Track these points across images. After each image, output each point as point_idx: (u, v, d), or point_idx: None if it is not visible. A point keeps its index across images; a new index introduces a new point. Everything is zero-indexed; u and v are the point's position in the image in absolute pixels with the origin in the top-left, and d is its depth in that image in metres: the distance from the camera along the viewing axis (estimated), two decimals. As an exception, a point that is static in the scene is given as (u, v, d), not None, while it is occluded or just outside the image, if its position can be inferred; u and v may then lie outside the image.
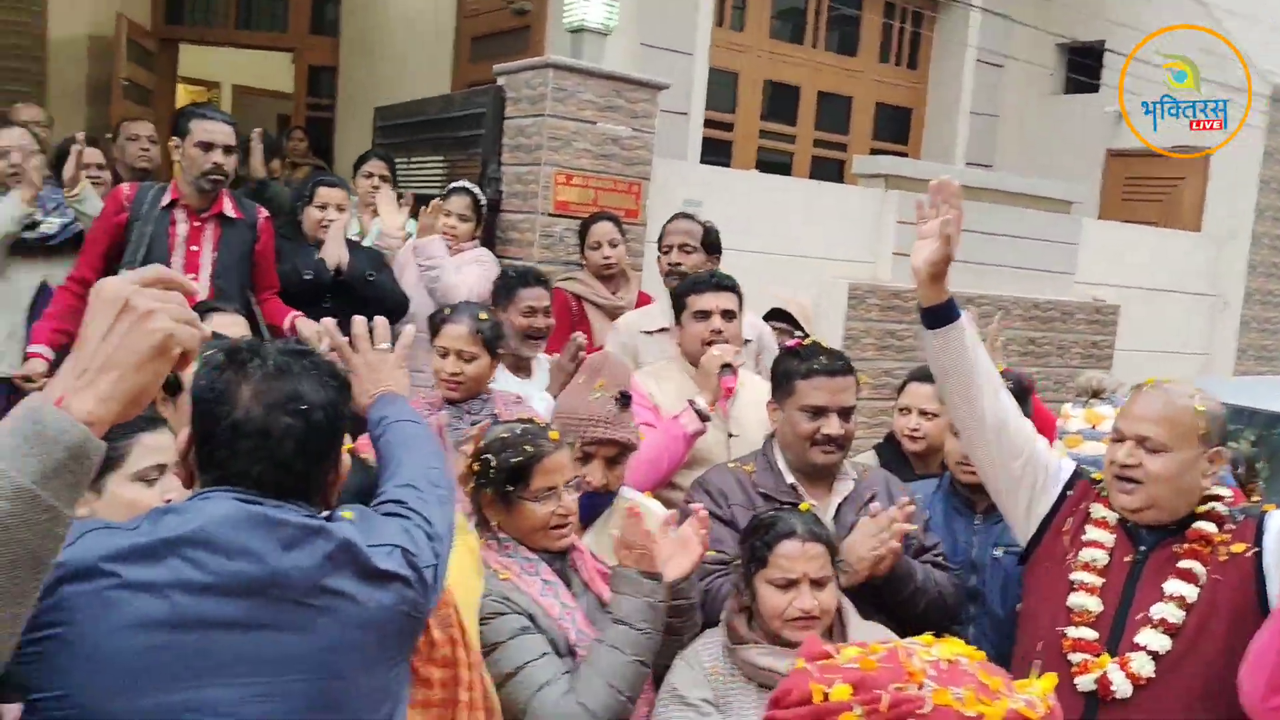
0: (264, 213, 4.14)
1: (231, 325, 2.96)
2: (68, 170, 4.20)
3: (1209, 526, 2.30)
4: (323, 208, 4.37)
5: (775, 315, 4.34)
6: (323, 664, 1.40)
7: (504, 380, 3.57)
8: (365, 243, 4.65)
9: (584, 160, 5.32)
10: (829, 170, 8.84)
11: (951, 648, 1.07)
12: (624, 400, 2.63)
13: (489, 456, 2.24)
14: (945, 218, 2.35)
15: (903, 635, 1.18)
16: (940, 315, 2.41)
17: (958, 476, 2.93)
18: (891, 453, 3.34)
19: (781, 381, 2.83)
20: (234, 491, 1.42)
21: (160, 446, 1.85)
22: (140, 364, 1.09)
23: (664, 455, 2.98)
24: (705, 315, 3.38)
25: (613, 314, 4.38)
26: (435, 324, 3.18)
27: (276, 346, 1.50)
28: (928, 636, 1.10)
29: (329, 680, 1.41)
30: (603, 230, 4.50)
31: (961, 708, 0.98)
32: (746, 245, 5.70)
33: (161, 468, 1.84)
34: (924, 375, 3.29)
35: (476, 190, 4.65)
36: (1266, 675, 1.91)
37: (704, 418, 3.06)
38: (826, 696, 1.00)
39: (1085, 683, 2.24)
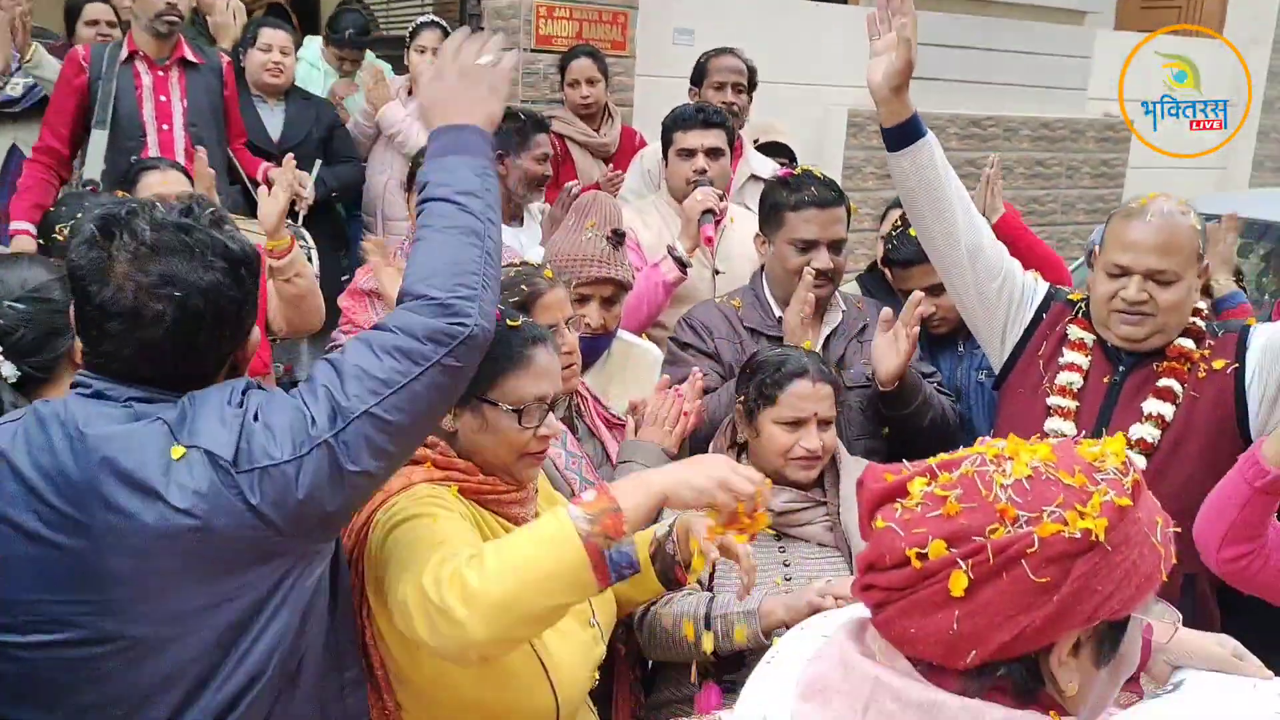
0: (225, 57, 4.01)
1: (163, 183, 2.83)
2: (16, 37, 4.03)
3: (1188, 343, 2.24)
4: (266, 50, 4.23)
5: (771, 149, 4.18)
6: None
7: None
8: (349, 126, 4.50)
9: (566, -10, 5.08)
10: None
11: (1019, 456, 1.01)
12: (617, 238, 2.56)
13: None
14: (901, 21, 2.23)
15: (901, 456, 1.09)
16: (905, 134, 2.29)
17: (926, 329, 2.85)
18: (874, 282, 3.27)
19: (770, 213, 2.74)
20: (98, 380, 1.37)
21: None
22: None
23: (643, 301, 2.92)
24: (690, 154, 3.26)
25: (596, 152, 4.27)
26: (412, 176, 3.07)
27: (157, 218, 1.35)
28: (986, 448, 1.03)
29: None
30: (581, 67, 4.32)
31: (1067, 529, 0.94)
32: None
33: None
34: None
35: (445, 24, 4.45)
36: (1224, 527, 1.85)
37: (683, 265, 2.98)
38: (924, 557, 0.96)
39: None
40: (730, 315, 2.75)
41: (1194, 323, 2.27)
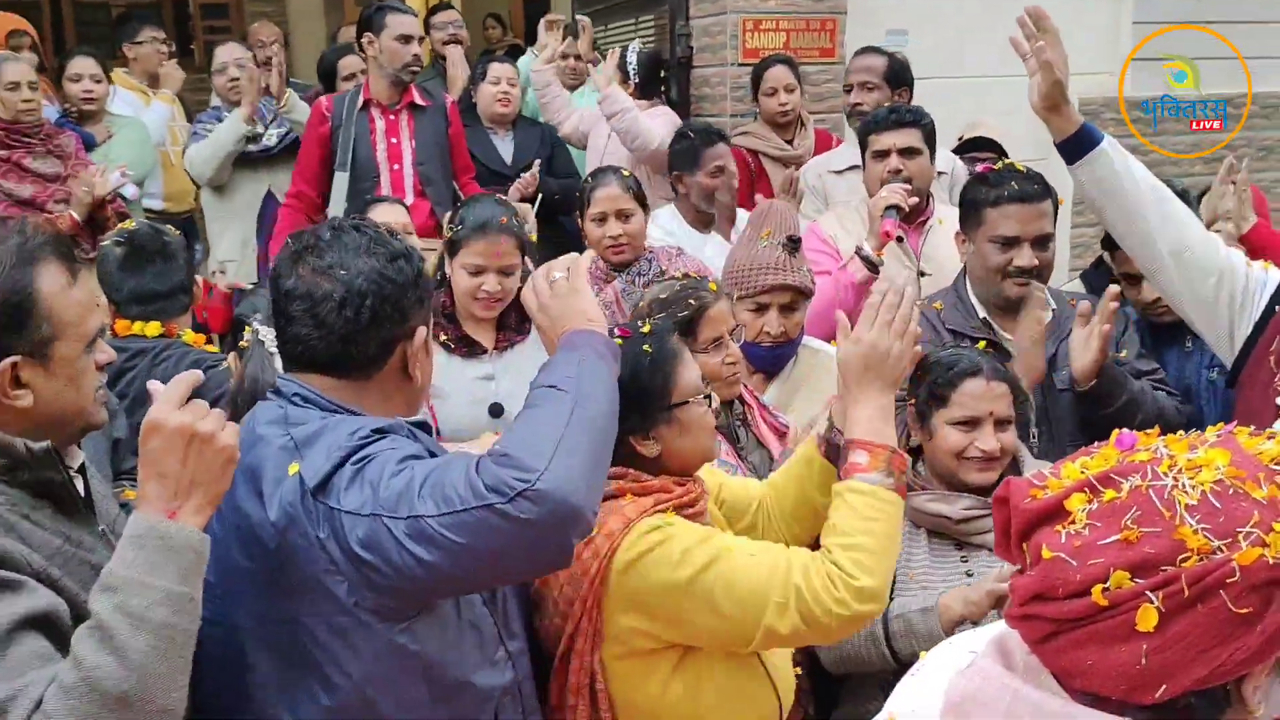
0: (450, 97, 4.30)
1: (383, 216, 3.11)
2: (272, 82, 4.49)
3: None
4: (496, 83, 4.53)
5: (979, 145, 4.04)
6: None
7: (691, 238, 3.57)
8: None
9: (771, 2, 5.08)
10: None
11: (1200, 466, 0.93)
12: (792, 244, 2.57)
13: (655, 317, 2.26)
14: (1038, 44, 2.24)
15: None
16: (1078, 146, 2.26)
17: (1148, 319, 2.67)
18: (1099, 278, 3.08)
19: (970, 211, 2.67)
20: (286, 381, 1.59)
21: None
22: (219, 477, 1.37)
23: (833, 305, 2.88)
24: (883, 155, 3.23)
25: (790, 163, 4.25)
26: (584, 194, 3.23)
27: (334, 225, 1.60)
28: (1152, 455, 0.95)
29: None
30: (777, 75, 4.31)
31: (1270, 554, 0.87)
32: (959, 71, 5.30)
33: None
34: None
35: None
36: None
37: (872, 265, 2.93)
38: (1107, 591, 0.90)
39: None
40: (931, 317, 2.68)
41: None
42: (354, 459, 1.44)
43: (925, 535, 2.14)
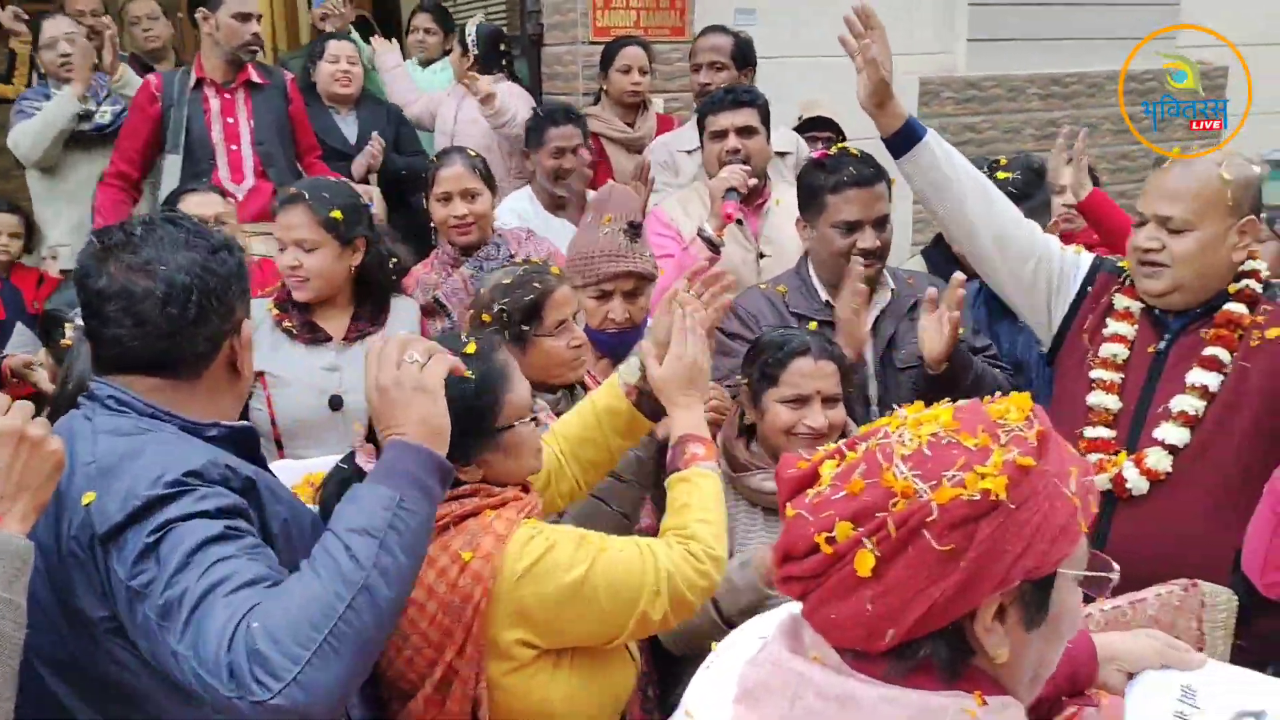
0: (289, 75, 4.15)
1: (200, 205, 3.01)
2: (106, 56, 4.24)
3: (1239, 308, 2.15)
4: (334, 61, 4.42)
5: (818, 124, 4.12)
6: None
7: (542, 219, 3.54)
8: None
9: (621, -20, 5.07)
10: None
11: (924, 422, 0.99)
12: (634, 230, 2.58)
13: (498, 303, 2.24)
14: (865, 42, 2.28)
15: None
16: (904, 140, 2.33)
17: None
18: (940, 256, 3.19)
19: (809, 197, 2.71)
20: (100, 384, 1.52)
21: None
22: (45, 483, 1.34)
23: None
24: (721, 135, 3.25)
25: (631, 148, 4.25)
26: (430, 174, 3.19)
27: (145, 217, 1.54)
28: (891, 420, 1.02)
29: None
30: (634, 55, 4.28)
31: (965, 492, 0.92)
32: (805, 50, 5.40)
33: None
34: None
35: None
36: (1262, 555, 1.84)
37: (714, 246, 2.97)
38: (832, 541, 0.95)
39: (1101, 482, 2.16)
40: (776, 301, 2.73)
41: (1246, 286, 2.17)
42: (153, 527, 1.35)
43: (762, 514, 2.20)
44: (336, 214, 2.60)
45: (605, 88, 4.38)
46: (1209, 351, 2.15)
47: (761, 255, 3.20)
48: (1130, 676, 1.26)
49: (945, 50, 6.11)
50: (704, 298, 1.98)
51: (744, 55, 4.12)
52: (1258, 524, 1.91)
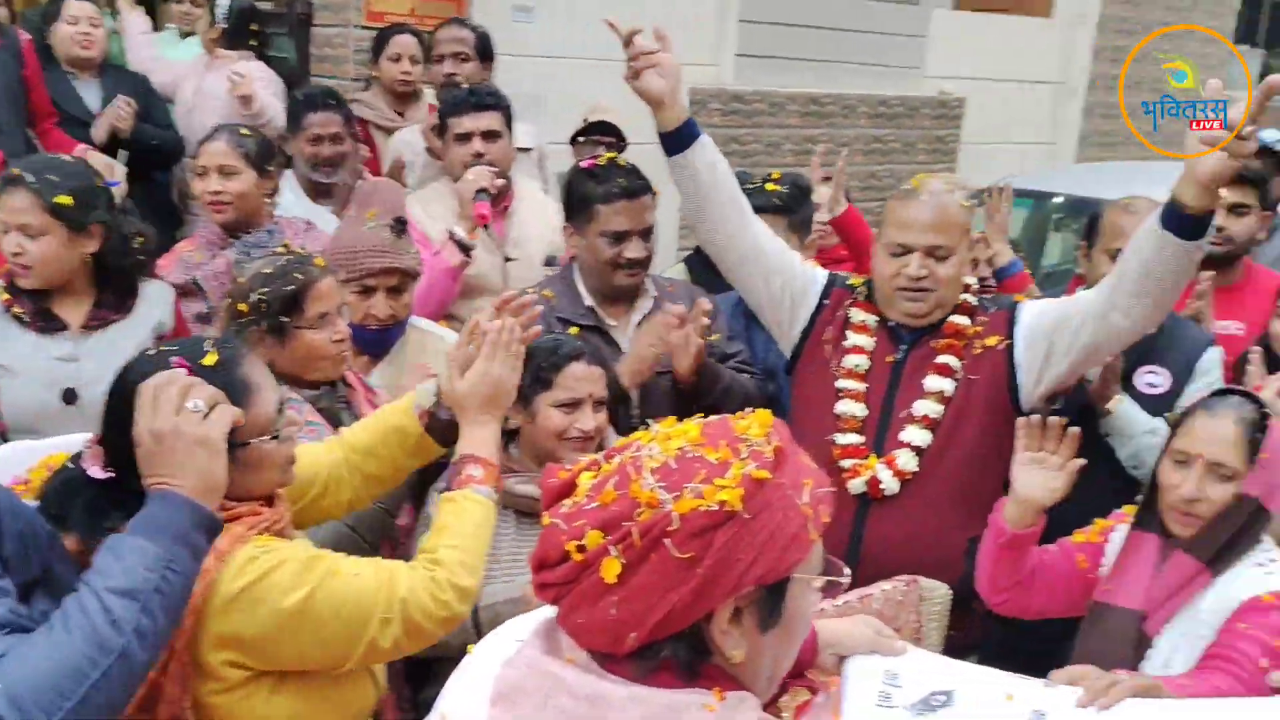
0: (25, 35, 3.82)
1: None
2: None
3: (962, 320, 2.36)
4: (73, 22, 4.08)
5: (601, 129, 4.17)
6: None
7: (303, 207, 3.41)
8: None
9: (397, -36, 4.97)
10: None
11: (673, 437, 1.05)
12: (399, 226, 2.54)
13: (256, 292, 2.16)
14: (661, 52, 2.30)
15: None
16: (682, 138, 2.34)
17: None
18: (701, 264, 3.31)
19: (579, 205, 2.74)
20: None
21: None
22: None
23: (432, 290, 2.89)
24: (466, 138, 3.23)
25: (397, 136, 4.16)
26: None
27: None
28: (644, 434, 1.08)
29: None
30: (406, 43, 4.17)
31: (704, 503, 0.98)
32: (584, 52, 5.47)
33: None
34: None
35: None
36: (987, 577, 2.12)
37: (465, 248, 2.97)
38: (583, 549, 0.99)
39: (856, 485, 2.32)
40: (543, 306, 2.76)
41: (965, 299, 2.39)
42: None
43: (514, 516, 2.22)
44: (65, 199, 2.37)
45: (376, 75, 4.26)
46: (941, 360, 2.34)
47: (508, 259, 3.21)
48: (842, 660, 1.37)
49: (714, 63, 6.35)
50: (519, 320, 1.97)
51: (486, 48, 4.05)
52: (984, 550, 2.13)
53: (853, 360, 2.39)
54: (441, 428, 1.93)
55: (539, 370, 2.25)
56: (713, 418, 1.09)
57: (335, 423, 2.22)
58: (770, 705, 1.28)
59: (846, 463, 2.34)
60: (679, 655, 1.01)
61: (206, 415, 1.41)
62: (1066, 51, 8.72)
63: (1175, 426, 2.00)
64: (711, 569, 0.98)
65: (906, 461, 2.30)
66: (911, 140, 7.32)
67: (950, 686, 1.32)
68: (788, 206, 3.08)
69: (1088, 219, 2.94)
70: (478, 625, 2.00)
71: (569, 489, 1.06)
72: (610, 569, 0.98)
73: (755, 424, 1.06)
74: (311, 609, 1.55)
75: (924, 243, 2.30)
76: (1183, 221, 2.02)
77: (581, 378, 2.24)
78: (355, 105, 4.13)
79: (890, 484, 2.30)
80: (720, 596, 0.99)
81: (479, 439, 1.85)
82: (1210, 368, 2.59)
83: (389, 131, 4.14)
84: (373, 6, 4.93)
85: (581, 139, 4.12)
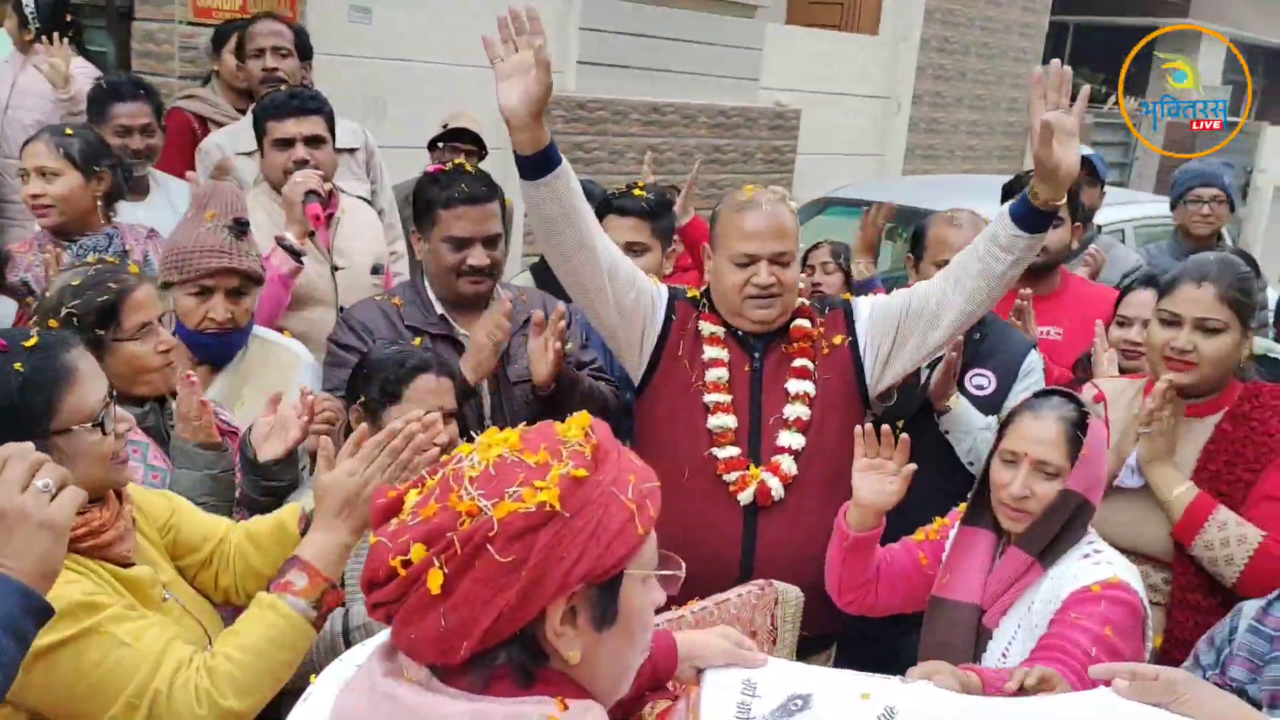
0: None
1: None
2: None
3: (805, 322, 2.44)
4: None
5: (459, 135, 4.10)
6: None
7: (123, 210, 3.23)
8: None
9: (226, -41, 4.77)
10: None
11: (494, 445, 1.06)
12: (240, 227, 2.45)
13: (67, 306, 2.03)
14: (536, 43, 2.13)
15: None
16: (543, 162, 2.19)
17: None
18: (547, 272, 3.30)
19: (423, 210, 2.68)
20: None
21: None
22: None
23: (263, 300, 2.76)
24: (287, 144, 3.10)
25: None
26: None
27: None
28: (466, 446, 1.08)
29: None
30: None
31: (523, 506, 0.98)
32: (425, 55, 5.37)
33: None
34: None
35: None
36: (836, 579, 2.21)
37: (296, 254, 2.88)
38: (407, 564, 0.98)
39: (746, 496, 2.36)
40: (391, 314, 2.69)
41: (802, 303, 2.47)
42: None
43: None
44: None
45: (218, 69, 4.03)
46: (798, 363, 2.41)
47: (336, 268, 3.11)
48: (700, 672, 1.39)
49: (557, 69, 6.33)
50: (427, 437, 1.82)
51: (305, 45, 3.87)
52: (830, 555, 2.20)
53: (714, 374, 2.42)
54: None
55: (386, 383, 2.20)
56: (537, 426, 1.09)
57: (163, 441, 2.11)
58: (634, 716, 1.29)
59: (731, 475, 2.37)
60: (514, 660, 1.01)
61: (54, 496, 1.28)
62: (892, 68, 9.12)
63: (1003, 427, 2.11)
64: (535, 570, 0.98)
65: (789, 466, 2.36)
66: (750, 150, 7.50)
67: (808, 690, 1.36)
68: (654, 213, 3.11)
69: (914, 231, 3.09)
70: (349, 646, 1.93)
71: (397, 507, 1.05)
72: (434, 580, 0.98)
73: (574, 426, 1.07)
74: (57, 659, 1.45)
75: (769, 250, 2.36)
76: (1032, 215, 2.18)
77: (431, 390, 2.20)
78: (192, 101, 3.95)
79: (777, 489, 2.35)
80: (548, 597, 0.99)
81: (320, 545, 1.67)
82: (1032, 369, 2.77)
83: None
84: (200, 2, 4.71)
85: (440, 145, 4.06)
